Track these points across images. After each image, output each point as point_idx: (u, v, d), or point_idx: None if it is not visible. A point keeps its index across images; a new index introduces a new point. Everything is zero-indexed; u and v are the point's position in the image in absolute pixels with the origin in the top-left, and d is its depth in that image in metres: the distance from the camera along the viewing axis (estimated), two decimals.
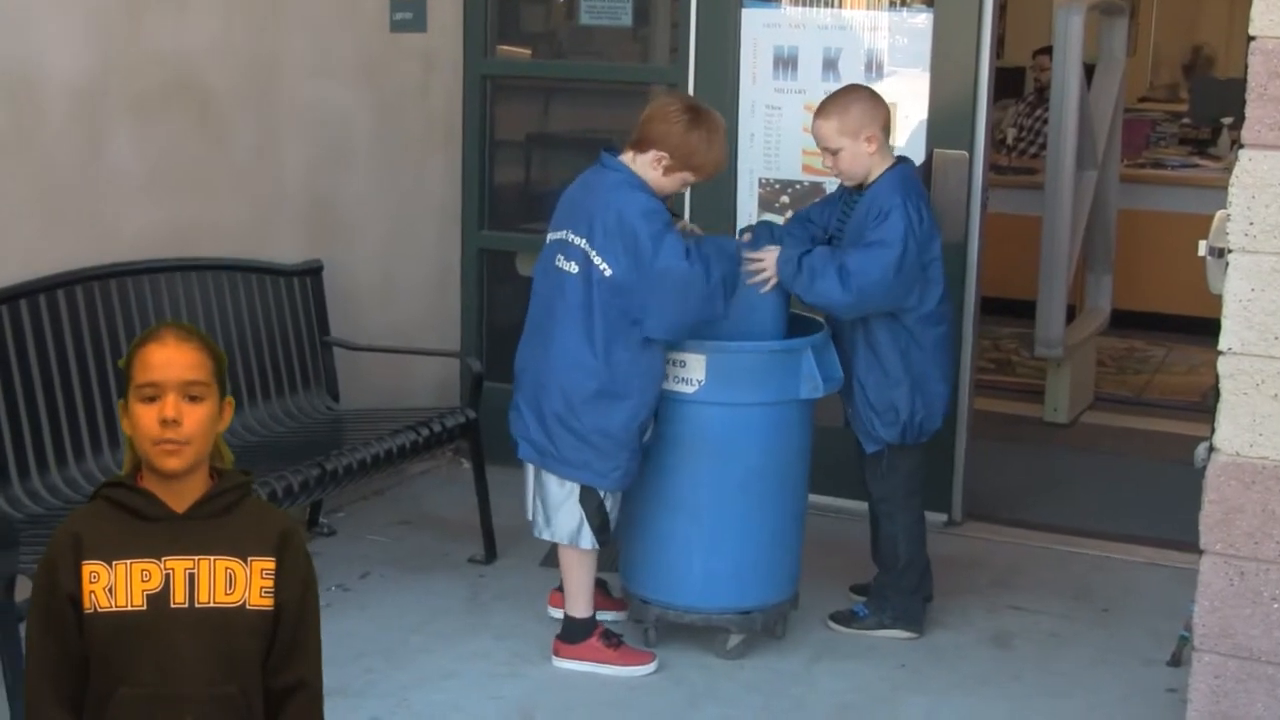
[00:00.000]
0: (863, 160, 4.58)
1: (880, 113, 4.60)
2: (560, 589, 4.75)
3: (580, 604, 4.61)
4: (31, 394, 4.52)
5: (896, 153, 4.83)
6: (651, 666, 4.58)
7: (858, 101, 4.61)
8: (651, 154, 4.42)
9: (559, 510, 4.53)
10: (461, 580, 5.25)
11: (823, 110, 4.62)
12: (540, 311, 4.53)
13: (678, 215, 4.64)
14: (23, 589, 3.83)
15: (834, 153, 4.59)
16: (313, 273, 5.67)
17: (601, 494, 4.50)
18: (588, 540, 4.52)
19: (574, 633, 4.62)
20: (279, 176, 5.61)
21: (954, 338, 4.78)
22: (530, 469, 4.64)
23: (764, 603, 4.70)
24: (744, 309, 4.54)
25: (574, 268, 4.39)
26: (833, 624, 4.83)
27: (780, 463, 4.63)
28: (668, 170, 4.43)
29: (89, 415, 4.69)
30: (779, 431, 4.61)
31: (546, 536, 4.63)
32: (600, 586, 4.79)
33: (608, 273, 4.33)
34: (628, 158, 4.47)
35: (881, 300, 4.52)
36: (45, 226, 4.71)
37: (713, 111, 4.53)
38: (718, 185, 5.90)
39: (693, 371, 4.50)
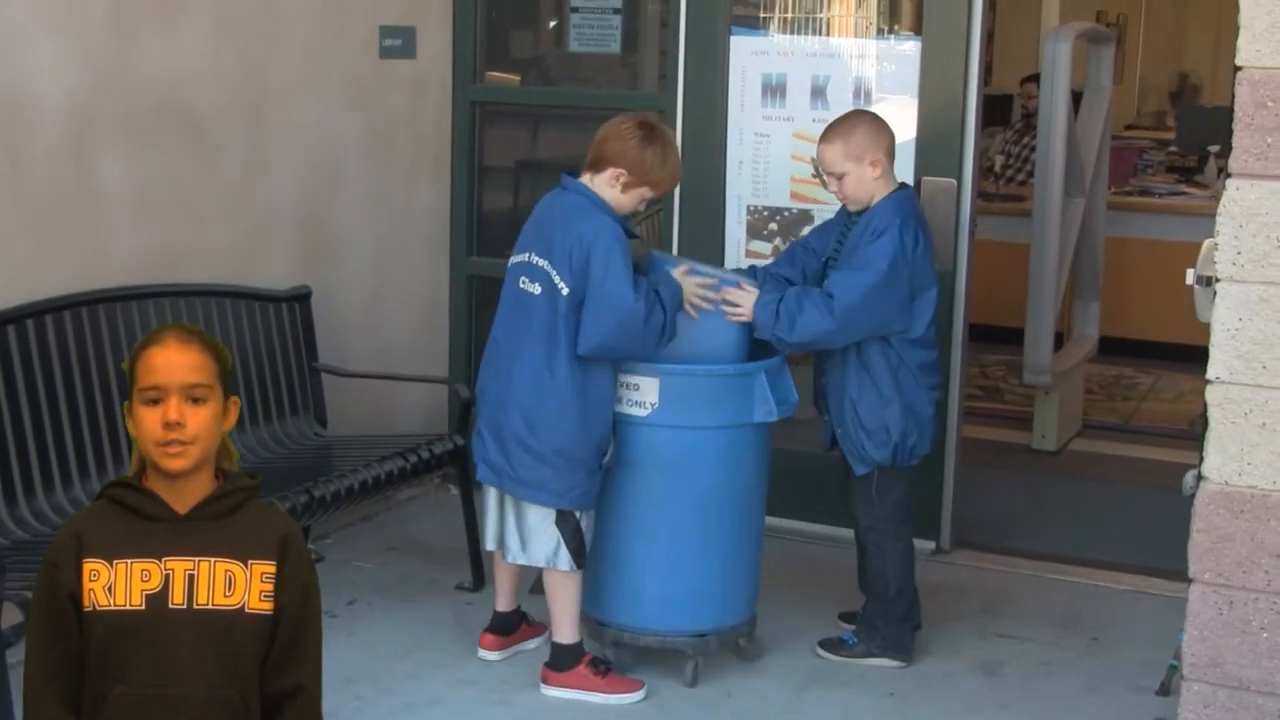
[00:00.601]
0: (867, 184, 4.59)
1: (884, 138, 4.61)
2: (489, 630, 4.82)
3: (565, 629, 4.60)
4: (19, 420, 4.51)
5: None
6: (640, 694, 4.57)
7: (861, 126, 4.62)
8: (609, 173, 4.46)
9: (536, 534, 4.53)
10: (449, 607, 5.24)
11: (827, 135, 4.64)
12: (502, 333, 4.57)
13: (636, 236, 4.66)
14: (9, 616, 3.82)
15: (839, 177, 4.60)
16: (301, 299, 5.67)
17: (578, 516, 4.50)
18: (565, 562, 4.52)
19: (561, 660, 4.60)
20: (268, 201, 5.61)
21: (938, 362, 4.77)
22: (492, 495, 4.65)
23: (720, 625, 4.70)
24: (706, 332, 4.56)
25: (537, 288, 4.43)
26: (821, 651, 4.82)
27: (735, 486, 4.63)
28: (626, 187, 4.46)
29: (77, 442, 4.68)
30: (733, 454, 4.61)
31: (523, 561, 4.62)
32: (522, 614, 4.87)
33: (564, 291, 4.38)
34: (586, 179, 4.51)
35: (867, 323, 4.52)
36: (34, 251, 4.70)
37: (664, 127, 4.60)
38: (706, 213, 5.93)
39: (646, 394, 4.51)
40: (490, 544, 4.72)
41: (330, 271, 5.91)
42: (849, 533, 4.97)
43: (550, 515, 4.50)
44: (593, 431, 4.44)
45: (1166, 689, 4.57)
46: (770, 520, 4.90)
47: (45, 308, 4.65)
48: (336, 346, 5.86)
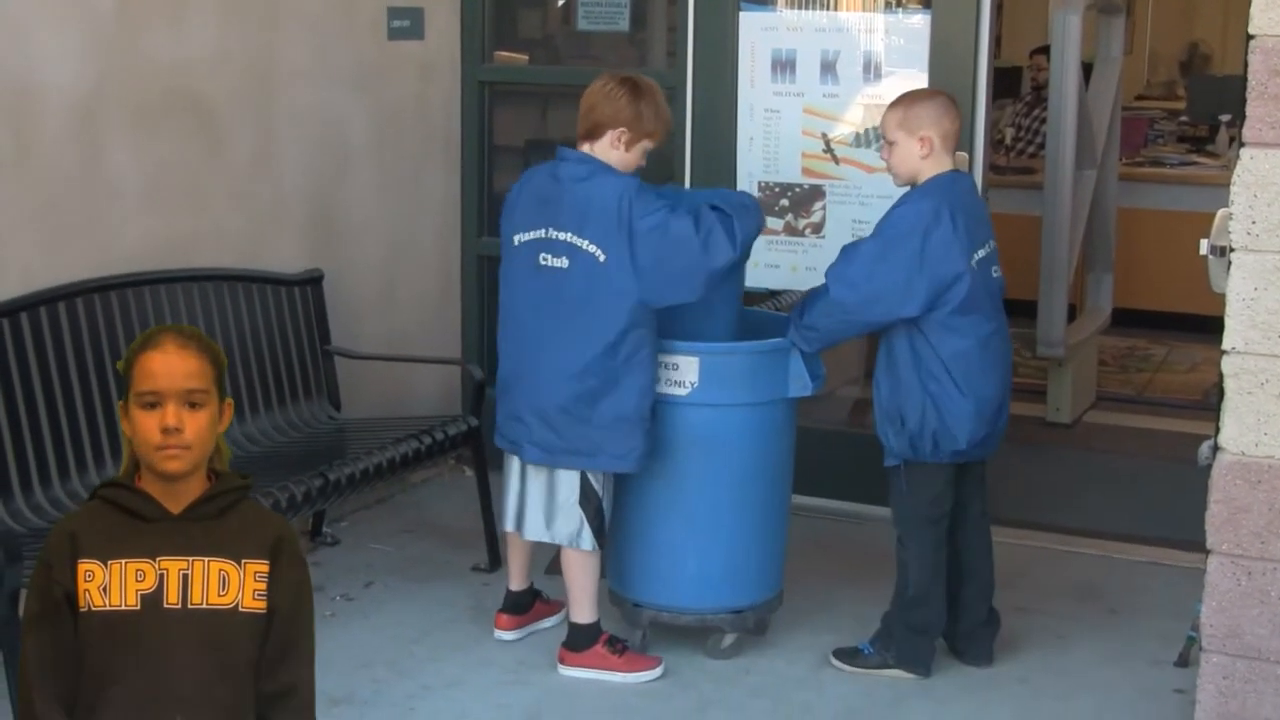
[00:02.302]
0: (912, 160, 4.44)
1: (944, 122, 4.42)
2: (504, 610, 4.83)
3: (584, 609, 4.60)
4: (33, 407, 4.52)
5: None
6: (658, 672, 4.57)
7: (925, 101, 4.49)
8: (608, 136, 4.45)
9: (563, 511, 4.53)
10: (466, 588, 5.24)
11: (894, 100, 4.54)
12: (527, 314, 4.51)
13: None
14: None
15: (890, 145, 4.49)
16: (313, 282, 5.66)
17: (600, 495, 4.50)
18: (588, 541, 4.52)
19: (579, 640, 4.61)
20: (278, 185, 5.61)
21: (985, 357, 4.43)
22: (513, 475, 4.63)
23: (755, 601, 4.72)
24: (700, 312, 4.54)
25: (564, 262, 4.39)
26: (836, 661, 4.68)
27: (769, 461, 4.65)
28: (629, 144, 4.46)
29: (91, 427, 4.69)
30: (768, 431, 4.63)
31: (545, 539, 4.62)
32: (535, 592, 4.88)
33: (601, 259, 4.34)
34: (586, 149, 4.49)
35: (874, 289, 4.34)
36: (45, 239, 4.70)
37: (644, 78, 4.58)
38: (718, 188, 5.91)
39: (685, 374, 4.51)
40: (510, 525, 4.71)
41: (342, 254, 5.91)
42: (868, 509, 4.96)
43: (576, 493, 4.49)
44: (648, 391, 4.43)
45: (1185, 660, 4.57)
46: (804, 499, 4.88)
47: (57, 295, 4.66)
48: (349, 329, 5.86)
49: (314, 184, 5.77)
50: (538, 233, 4.46)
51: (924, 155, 4.43)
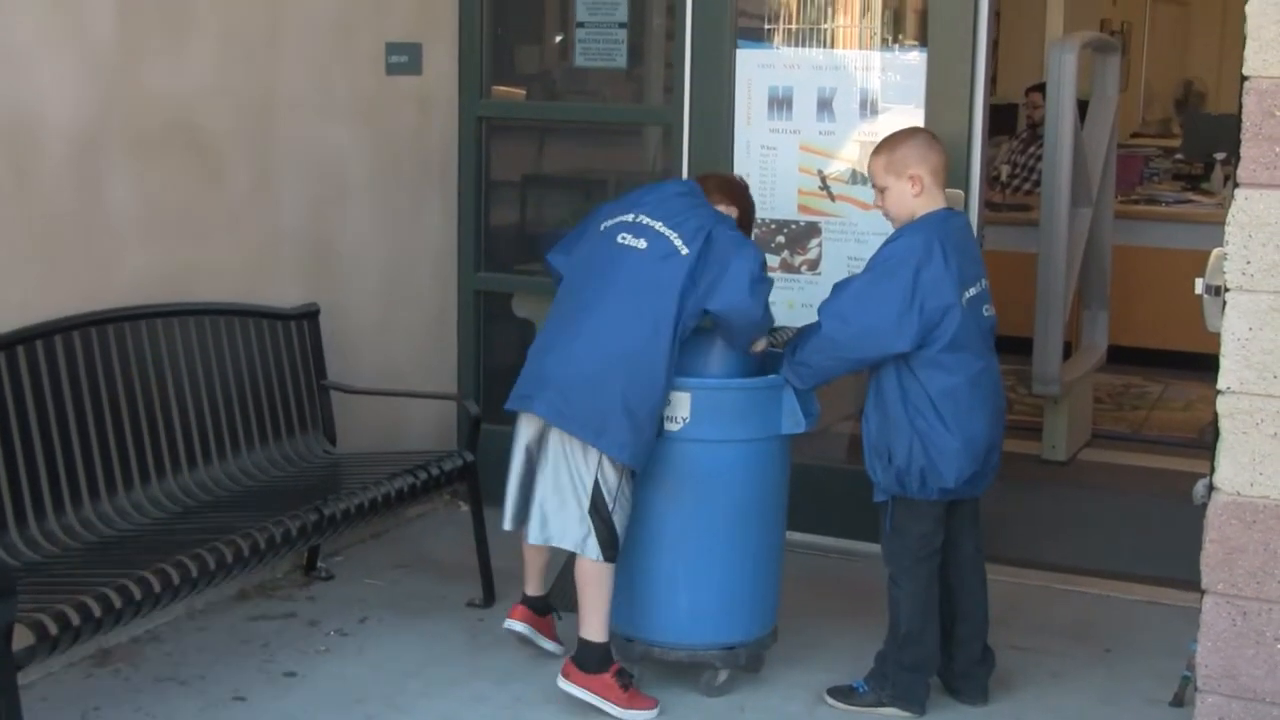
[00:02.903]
0: (906, 201, 4.46)
1: (931, 157, 4.45)
2: (523, 603, 4.84)
3: (595, 626, 4.50)
4: (29, 441, 4.51)
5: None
6: (653, 713, 4.54)
7: (907, 141, 4.51)
8: (722, 207, 4.72)
9: (570, 519, 4.46)
10: (461, 624, 5.23)
11: (876, 148, 4.56)
12: (585, 282, 4.55)
13: None
14: (20, 637, 3.82)
15: (881, 191, 4.51)
16: (309, 316, 5.67)
17: (610, 506, 4.42)
18: (594, 550, 4.44)
19: (589, 661, 4.51)
20: (275, 219, 5.62)
21: (974, 395, 4.42)
22: (516, 474, 4.59)
23: (748, 637, 4.71)
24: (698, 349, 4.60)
25: (642, 244, 4.48)
26: (830, 699, 4.65)
27: (762, 497, 4.65)
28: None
29: (86, 462, 4.68)
30: (761, 466, 4.63)
31: (553, 541, 4.53)
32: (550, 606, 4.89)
33: (684, 252, 4.44)
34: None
35: (865, 323, 4.34)
36: (43, 272, 4.70)
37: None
38: None
39: (677, 409, 4.51)
40: (509, 524, 4.64)
41: (338, 288, 5.91)
42: (862, 546, 4.95)
43: (587, 500, 4.42)
44: (661, 400, 4.45)
45: (1180, 700, 4.56)
46: (799, 535, 4.88)
47: (55, 328, 4.65)
48: (345, 364, 5.86)
49: (311, 217, 5.78)
50: (627, 216, 4.57)
51: (916, 194, 4.44)
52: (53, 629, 3.87)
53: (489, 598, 5.37)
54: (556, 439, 4.46)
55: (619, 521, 4.47)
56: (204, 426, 5.16)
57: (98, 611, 4.00)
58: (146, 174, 5.05)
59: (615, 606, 4.63)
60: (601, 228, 4.61)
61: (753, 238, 4.84)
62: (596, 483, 4.42)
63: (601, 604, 4.52)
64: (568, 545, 4.50)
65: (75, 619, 3.93)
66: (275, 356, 5.50)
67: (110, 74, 4.89)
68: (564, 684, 4.52)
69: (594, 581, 4.50)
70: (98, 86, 4.85)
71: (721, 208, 4.69)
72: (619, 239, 4.52)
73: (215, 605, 5.26)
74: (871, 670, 4.63)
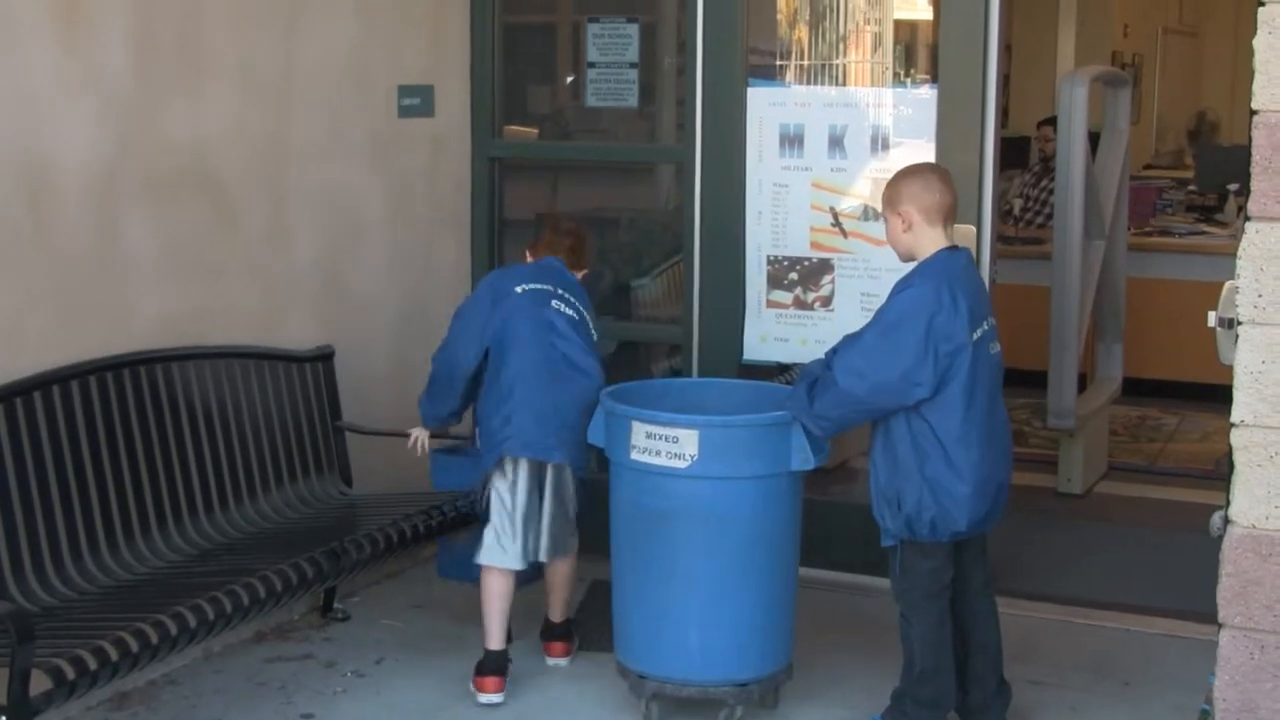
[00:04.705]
0: (898, 237, 4.47)
1: (928, 196, 4.42)
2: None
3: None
4: (46, 487, 4.52)
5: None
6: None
7: (906, 178, 4.50)
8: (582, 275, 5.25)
9: (565, 526, 5.02)
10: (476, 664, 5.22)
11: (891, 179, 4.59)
12: (548, 354, 4.95)
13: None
14: (38, 682, 3.83)
15: (884, 221, 4.55)
16: (324, 358, 5.69)
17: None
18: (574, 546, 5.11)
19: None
20: (290, 261, 5.64)
21: (984, 438, 4.40)
22: (520, 512, 4.93)
23: (761, 674, 4.69)
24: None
25: (574, 314, 5.02)
26: None
27: (773, 534, 4.63)
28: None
29: (103, 507, 4.69)
30: (771, 503, 4.61)
31: (553, 555, 5.03)
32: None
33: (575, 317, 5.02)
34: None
35: (880, 375, 4.31)
36: (59, 316, 4.72)
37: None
38: (726, 263, 5.95)
39: (685, 446, 4.51)
40: (520, 563, 4.97)
41: (353, 330, 5.93)
42: (875, 581, 4.94)
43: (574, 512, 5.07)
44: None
45: None
46: (811, 571, 4.87)
47: (72, 373, 4.67)
48: (360, 405, 5.87)
49: (326, 259, 5.81)
50: (544, 286, 5.04)
51: (905, 230, 4.45)
52: (70, 674, 3.88)
53: (506, 637, 5.35)
54: (554, 472, 4.95)
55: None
56: (220, 469, 5.17)
57: (114, 656, 4.01)
58: (162, 217, 5.07)
59: (628, 642, 4.69)
60: (519, 290, 5.01)
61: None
62: (574, 492, 5.02)
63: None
64: (571, 551, 5.06)
65: (92, 664, 3.94)
66: (290, 398, 5.52)
67: (126, 118, 4.93)
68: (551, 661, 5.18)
69: (573, 573, 5.16)
70: (114, 130, 4.89)
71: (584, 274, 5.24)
72: (554, 304, 4.99)
73: (232, 648, 5.27)
74: (888, 708, 4.61)
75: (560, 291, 5.02)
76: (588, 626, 5.33)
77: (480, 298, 5.07)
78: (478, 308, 5.04)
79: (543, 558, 4.99)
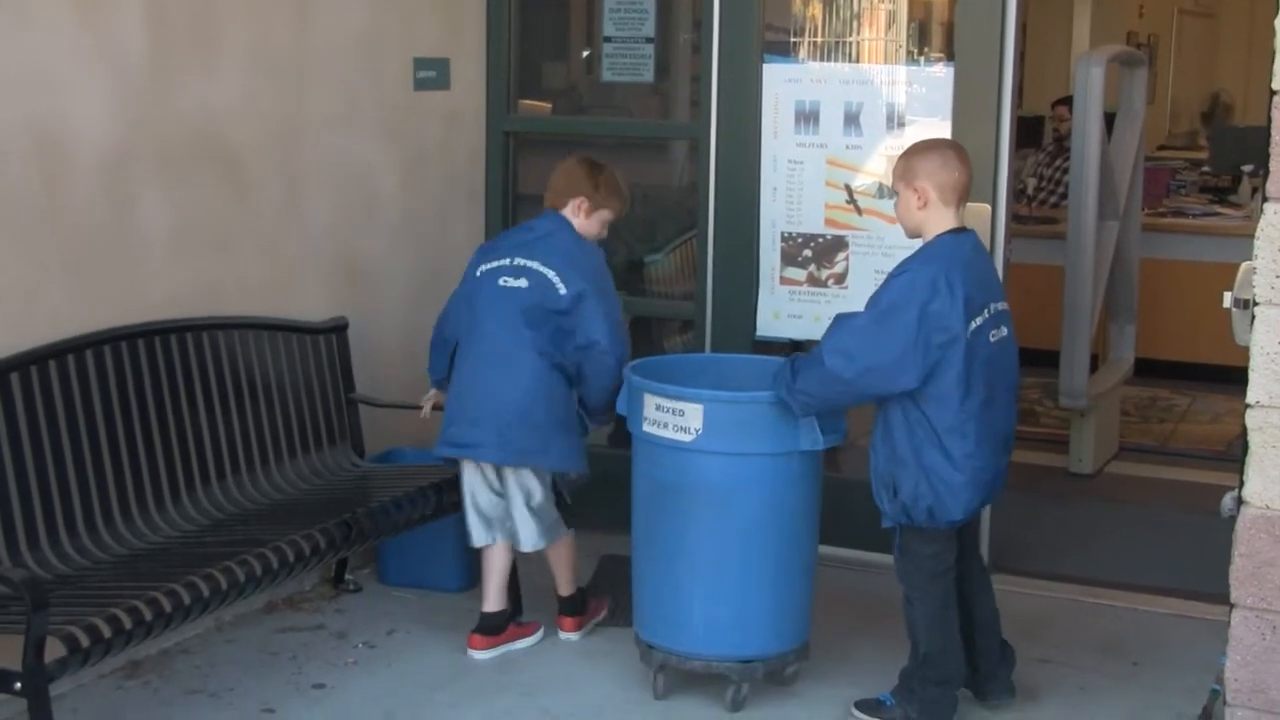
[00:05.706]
0: (909, 212, 4.42)
1: (942, 174, 4.36)
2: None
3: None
4: (60, 456, 4.54)
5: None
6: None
7: (924, 152, 4.44)
8: (570, 204, 5.01)
9: (545, 509, 5.04)
10: None
11: (902, 152, 4.53)
12: (478, 328, 4.96)
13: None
14: (52, 649, 3.85)
15: (895, 195, 4.49)
16: (338, 330, 5.69)
17: (563, 492, 5.11)
18: (562, 529, 5.12)
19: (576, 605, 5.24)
20: (304, 234, 5.65)
21: (980, 428, 4.33)
22: (483, 505, 5.05)
23: (766, 652, 4.68)
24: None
25: (524, 283, 4.88)
26: (857, 712, 4.64)
27: (782, 513, 4.60)
28: (588, 212, 5.01)
29: (117, 477, 4.71)
30: (779, 483, 4.58)
31: (544, 543, 5.06)
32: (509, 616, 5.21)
33: (562, 291, 4.85)
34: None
35: (870, 360, 4.25)
36: (74, 287, 4.73)
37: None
38: (740, 240, 5.94)
39: (690, 420, 4.51)
40: (481, 540, 5.09)
41: (366, 302, 5.94)
42: (887, 559, 4.92)
43: (552, 506, 5.07)
44: (573, 401, 4.98)
45: (1209, 715, 4.53)
46: (823, 549, 4.88)
47: (86, 343, 4.68)
48: (373, 377, 5.88)
49: (340, 232, 5.81)
50: (504, 260, 4.95)
51: (920, 207, 4.39)
52: (84, 641, 3.90)
53: (517, 609, 5.37)
54: (512, 474, 5.00)
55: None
56: (233, 440, 5.18)
57: (128, 624, 4.03)
58: (176, 190, 5.08)
59: (640, 613, 4.76)
60: (483, 269, 5.00)
61: (622, 197, 5.12)
62: (554, 485, 5.05)
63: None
64: (560, 537, 5.10)
65: (106, 631, 3.96)
66: (304, 370, 5.53)
67: (140, 91, 4.93)
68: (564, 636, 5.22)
69: (570, 549, 5.17)
70: (128, 104, 4.89)
71: (570, 204, 5.00)
72: (501, 282, 4.91)
73: (244, 618, 5.29)
74: (897, 686, 4.62)
75: (516, 261, 4.92)
76: (616, 600, 5.37)
77: (464, 276, 5.13)
78: (459, 287, 5.15)
79: (524, 549, 5.07)
